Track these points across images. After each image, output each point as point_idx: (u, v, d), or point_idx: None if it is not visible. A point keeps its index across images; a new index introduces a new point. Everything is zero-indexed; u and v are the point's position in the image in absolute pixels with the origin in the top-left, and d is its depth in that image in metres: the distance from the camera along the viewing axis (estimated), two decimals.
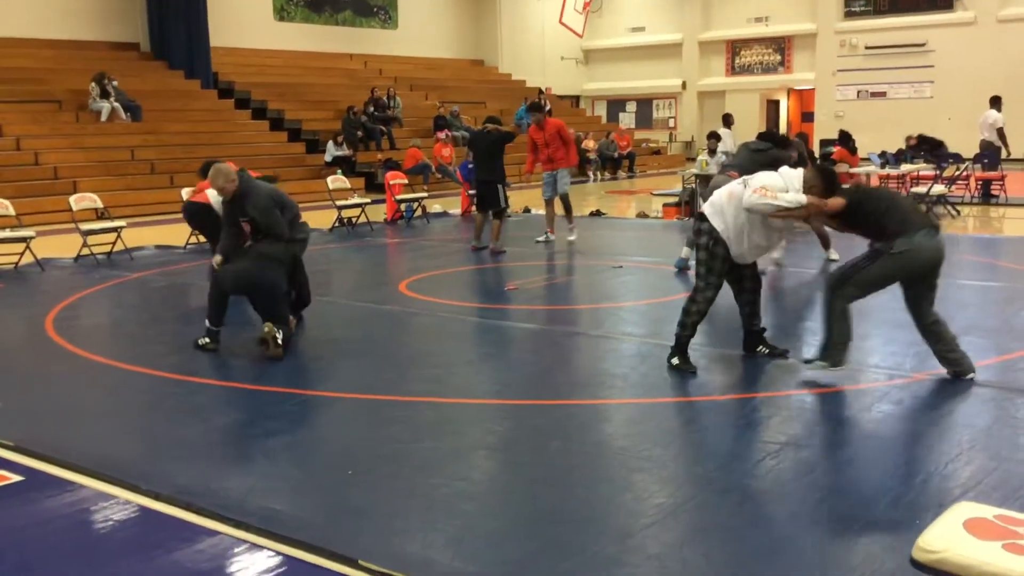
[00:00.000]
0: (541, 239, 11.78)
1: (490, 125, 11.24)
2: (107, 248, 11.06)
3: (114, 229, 11.10)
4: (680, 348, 5.82)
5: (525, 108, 25.11)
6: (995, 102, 16.51)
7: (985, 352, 6.30)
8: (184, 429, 5.02)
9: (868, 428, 4.84)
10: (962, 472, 4.19)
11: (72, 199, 11.73)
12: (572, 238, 11.73)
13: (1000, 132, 16.17)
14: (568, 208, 11.90)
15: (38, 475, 4.37)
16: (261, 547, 3.59)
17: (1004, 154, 16.50)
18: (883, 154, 15.98)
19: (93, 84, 18.30)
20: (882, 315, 7.47)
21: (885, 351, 6.38)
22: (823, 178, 5.53)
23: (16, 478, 4.33)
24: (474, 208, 11.63)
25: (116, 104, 18.40)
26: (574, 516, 3.83)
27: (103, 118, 18.27)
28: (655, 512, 3.86)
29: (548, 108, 27.28)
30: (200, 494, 4.03)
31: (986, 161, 16.34)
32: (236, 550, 3.59)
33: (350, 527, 3.74)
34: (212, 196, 8.47)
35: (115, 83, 18.71)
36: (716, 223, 5.61)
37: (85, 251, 10.92)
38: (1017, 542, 2.47)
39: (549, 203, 12.03)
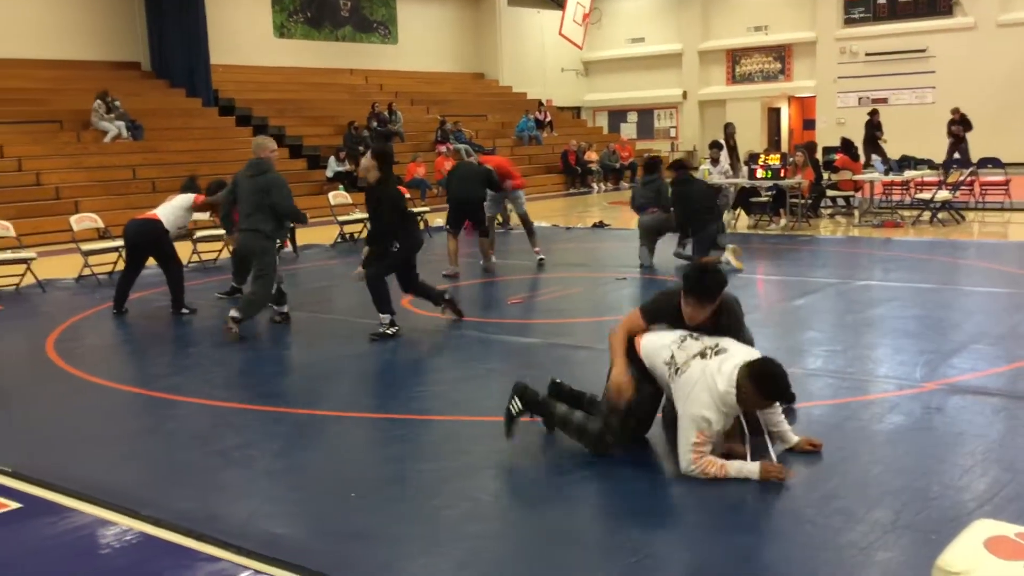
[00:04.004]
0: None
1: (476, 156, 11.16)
2: (109, 268, 11.01)
3: (115, 249, 11.02)
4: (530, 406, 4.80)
5: (526, 120, 25.17)
6: None
7: (995, 360, 6.22)
8: (184, 452, 4.95)
9: (879, 440, 4.76)
10: (977, 485, 4.11)
11: (73, 219, 11.69)
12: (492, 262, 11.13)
13: None
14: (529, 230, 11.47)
15: (36, 502, 4.30)
16: (263, 574, 3.51)
17: None
18: (886, 160, 15.90)
19: (98, 102, 18.31)
20: (890, 324, 7.40)
21: (894, 361, 6.30)
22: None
23: (14, 505, 4.26)
24: (448, 229, 10.83)
25: (121, 124, 18.42)
26: (583, 536, 3.75)
27: (108, 138, 18.27)
28: (666, 530, 3.78)
29: (549, 120, 27.33)
30: (201, 520, 3.96)
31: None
32: None
33: (354, 552, 3.66)
34: (162, 213, 8.76)
35: (117, 102, 18.73)
36: None
37: (86, 271, 10.87)
38: None
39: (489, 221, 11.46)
